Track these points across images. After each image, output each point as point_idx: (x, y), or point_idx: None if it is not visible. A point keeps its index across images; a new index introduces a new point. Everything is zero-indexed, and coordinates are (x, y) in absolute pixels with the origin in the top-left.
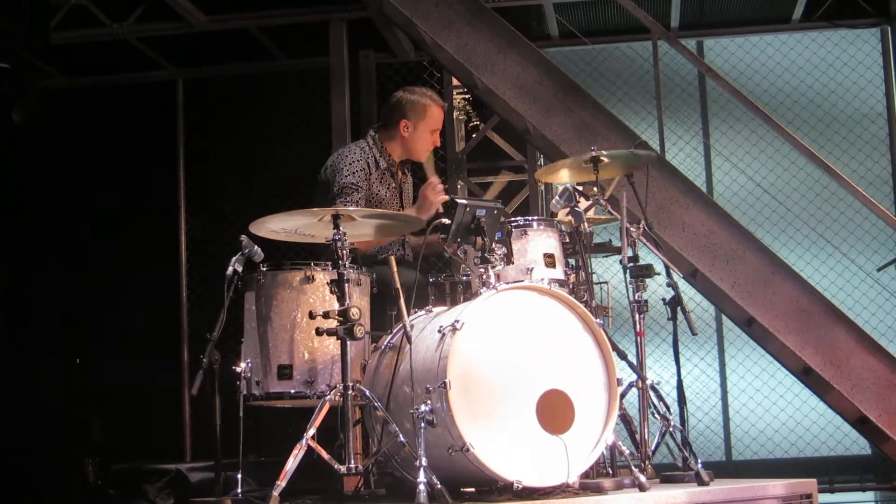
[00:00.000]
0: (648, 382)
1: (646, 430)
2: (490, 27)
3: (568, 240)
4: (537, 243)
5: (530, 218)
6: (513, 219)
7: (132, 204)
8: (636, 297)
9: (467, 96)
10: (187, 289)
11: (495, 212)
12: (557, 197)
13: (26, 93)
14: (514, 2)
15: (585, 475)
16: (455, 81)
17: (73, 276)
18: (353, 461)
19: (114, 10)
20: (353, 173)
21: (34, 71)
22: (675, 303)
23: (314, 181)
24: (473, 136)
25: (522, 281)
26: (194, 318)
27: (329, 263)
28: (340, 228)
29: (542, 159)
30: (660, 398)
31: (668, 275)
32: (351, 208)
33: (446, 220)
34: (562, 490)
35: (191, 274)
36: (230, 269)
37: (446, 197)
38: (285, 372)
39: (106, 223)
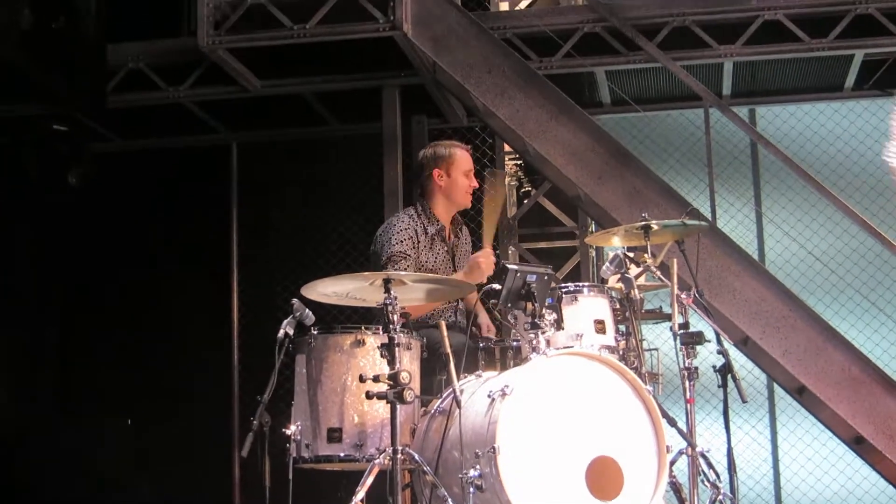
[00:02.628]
0: (698, 450)
1: (695, 498)
2: (542, 94)
3: (618, 306)
4: (588, 309)
5: (581, 284)
6: (563, 285)
7: (187, 266)
8: (686, 364)
9: (519, 162)
10: (239, 351)
11: (546, 277)
12: (608, 263)
13: (83, 155)
14: (566, 69)
15: None
16: (507, 147)
17: (127, 337)
18: None
19: (170, 74)
20: (401, 242)
21: (91, 134)
22: (725, 370)
23: (366, 246)
24: (525, 201)
25: (572, 346)
26: (245, 380)
27: (380, 327)
28: (391, 292)
29: (593, 225)
30: (710, 466)
31: (719, 342)
32: (401, 272)
33: (497, 286)
34: None
35: (242, 337)
36: (282, 331)
37: (493, 263)
38: (335, 435)
39: (160, 286)
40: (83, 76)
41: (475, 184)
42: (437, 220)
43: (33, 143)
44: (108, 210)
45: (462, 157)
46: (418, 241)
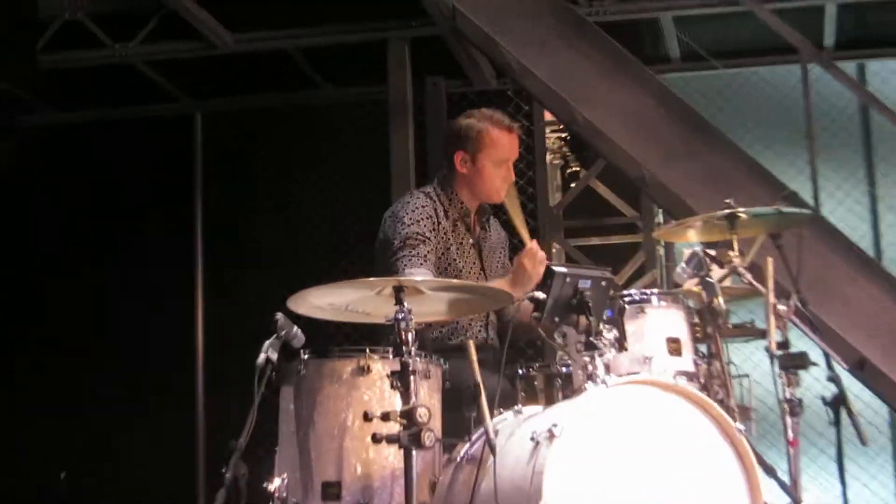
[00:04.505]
0: None
1: None
2: (594, 47)
3: (697, 319)
4: (658, 324)
5: (648, 291)
6: (626, 292)
7: (137, 270)
8: (787, 396)
9: (564, 135)
10: (204, 380)
11: (603, 283)
12: (683, 264)
13: (7, 131)
14: (623, 15)
15: None
16: (548, 116)
17: (59, 368)
18: None
19: (118, 27)
20: (417, 222)
21: (17, 104)
22: (837, 402)
23: (369, 243)
24: (572, 185)
25: (639, 373)
26: (213, 417)
27: (389, 350)
28: (404, 304)
29: (661, 215)
30: None
31: (829, 366)
32: (418, 278)
33: (540, 294)
34: None
35: (209, 360)
36: (262, 356)
37: (544, 261)
38: (332, 491)
39: (102, 296)
40: (4, 30)
41: (511, 177)
42: (461, 203)
43: None
44: (40, 198)
45: (498, 140)
46: (438, 224)
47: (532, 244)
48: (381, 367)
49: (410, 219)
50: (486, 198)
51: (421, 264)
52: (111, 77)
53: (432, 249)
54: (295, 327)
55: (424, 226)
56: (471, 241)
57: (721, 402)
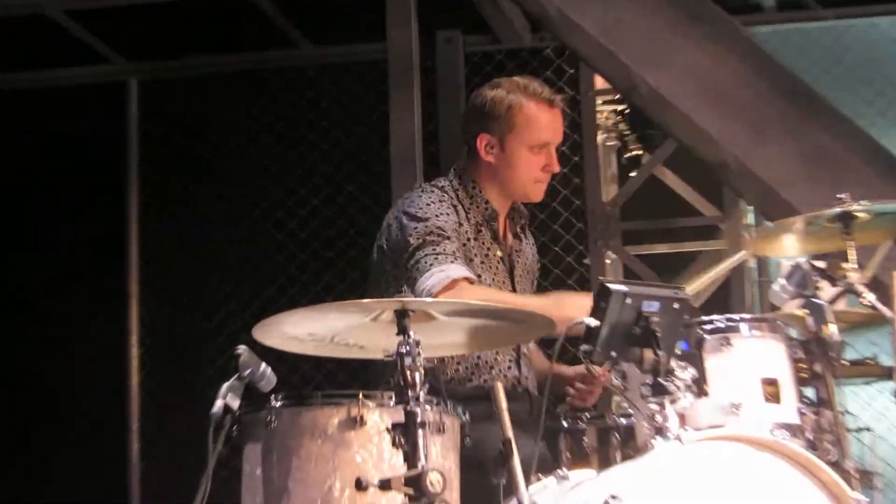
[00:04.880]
0: None
1: None
2: None
3: (802, 354)
4: (749, 360)
5: (736, 317)
6: (707, 318)
7: (53, 282)
8: None
9: (621, 107)
10: (141, 428)
11: (675, 305)
12: (782, 280)
13: None
14: None
15: None
16: (600, 82)
17: None
18: None
19: None
20: (437, 216)
21: None
22: None
23: (362, 250)
24: (632, 175)
25: (724, 426)
26: (151, 479)
27: (389, 395)
28: (410, 333)
29: (751, 214)
30: None
31: None
32: (427, 299)
33: (592, 321)
34: None
35: (146, 405)
36: (219, 403)
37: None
38: None
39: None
40: None
41: (555, 167)
42: (486, 203)
43: None
44: None
45: (535, 118)
46: (459, 226)
47: None
48: (378, 417)
49: (428, 212)
50: (521, 195)
51: (452, 262)
52: (25, 33)
53: (459, 249)
54: (263, 365)
55: (447, 221)
56: (498, 253)
57: (834, 465)
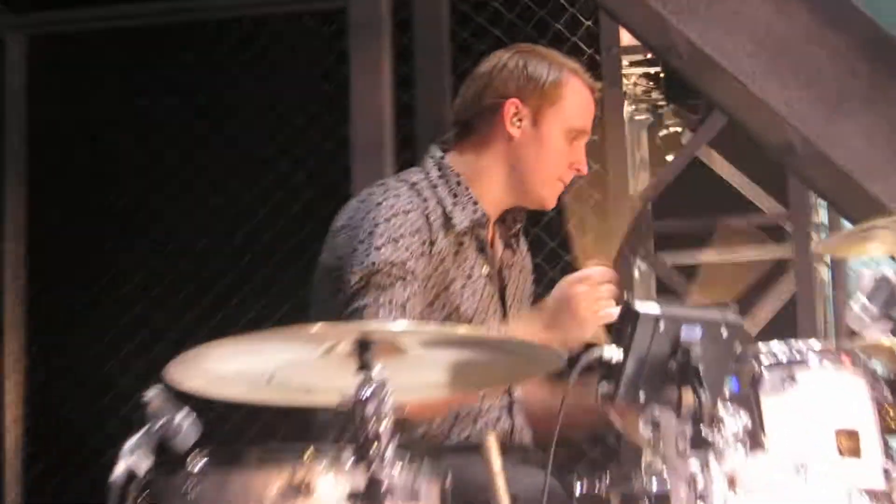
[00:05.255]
0: None
1: None
2: None
3: (890, 395)
4: (821, 403)
5: (805, 346)
6: (765, 348)
7: None
8: None
9: (653, 70)
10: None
11: (724, 332)
12: (864, 298)
13: None
14: None
15: None
16: (626, 38)
17: None
18: None
19: None
20: (395, 241)
21: None
22: None
23: (308, 262)
24: (668, 158)
25: (786, 491)
26: None
27: (348, 451)
28: (372, 371)
29: (823, 211)
30: None
31: None
32: (396, 326)
33: (613, 352)
34: None
35: (27, 463)
36: (121, 466)
37: (611, 297)
38: None
39: None
40: None
41: (584, 167)
42: (475, 205)
43: None
44: None
45: (580, 98)
46: (430, 245)
47: (599, 263)
48: (332, 483)
49: (386, 233)
50: (534, 194)
51: (397, 318)
52: None
53: (417, 291)
54: (181, 413)
55: (408, 248)
56: (485, 270)
57: None
